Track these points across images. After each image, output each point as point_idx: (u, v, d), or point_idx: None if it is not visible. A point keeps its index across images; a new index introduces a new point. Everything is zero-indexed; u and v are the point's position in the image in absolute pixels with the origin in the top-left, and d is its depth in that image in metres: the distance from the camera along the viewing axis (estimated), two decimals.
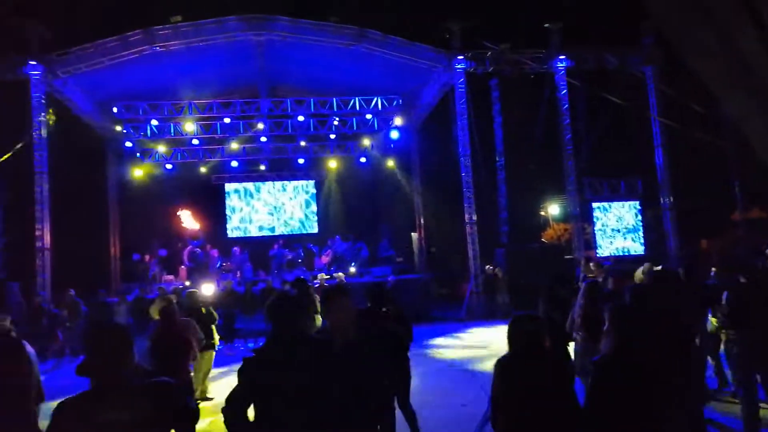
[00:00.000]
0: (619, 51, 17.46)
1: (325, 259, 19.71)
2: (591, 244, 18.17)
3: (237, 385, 2.86)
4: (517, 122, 19.66)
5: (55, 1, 16.08)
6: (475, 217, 16.81)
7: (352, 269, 18.44)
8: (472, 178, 16.91)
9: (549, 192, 25.52)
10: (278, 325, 2.97)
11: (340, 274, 16.42)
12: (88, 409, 2.32)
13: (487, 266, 16.87)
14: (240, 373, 2.87)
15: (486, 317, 15.56)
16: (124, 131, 19.36)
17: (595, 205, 18.27)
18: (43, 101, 15.32)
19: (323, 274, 17.81)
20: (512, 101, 19.33)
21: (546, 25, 17.11)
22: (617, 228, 18.31)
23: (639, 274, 6.97)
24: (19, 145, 15.36)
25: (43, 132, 15.32)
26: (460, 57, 16.56)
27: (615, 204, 18.43)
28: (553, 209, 28.38)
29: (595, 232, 18.23)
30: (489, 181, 19.14)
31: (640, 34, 17.47)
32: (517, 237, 19.57)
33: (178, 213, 19.89)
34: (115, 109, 18.48)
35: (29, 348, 4.30)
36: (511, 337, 3.11)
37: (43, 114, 15.30)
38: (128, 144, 19.92)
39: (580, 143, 18.12)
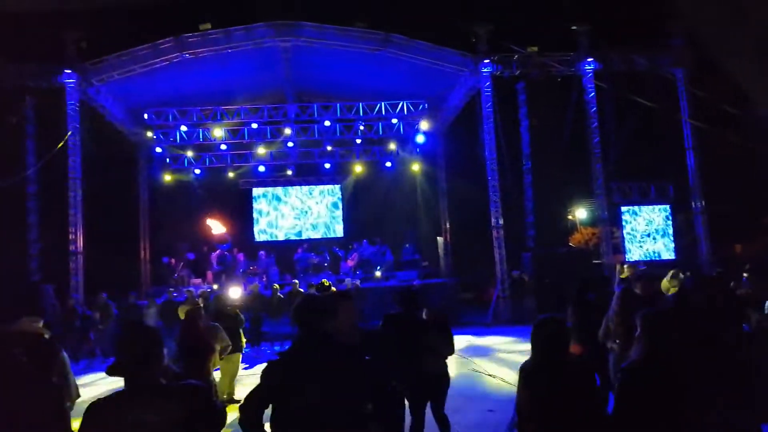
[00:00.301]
0: (648, 52, 17.19)
1: (351, 262, 19.76)
2: (620, 248, 17.90)
3: (257, 386, 2.87)
4: (544, 126, 19.46)
5: (86, 10, 16.47)
6: (501, 221, 16.71)
7: (378, 273, 18.47)
8: (499, 182, 16.82)
9: (576, 196, 25.20)
10: (304, 328, 3.00)
11: (349, 280, 16.51)
12: (117, 409, 2.38)
13: (514, 270, 16.73)
14: (263, 374, 2.88)
15: (512, 322, 15.42)
16: (154, 137, 19.74)
17: (623, 209, 18.02)
18: (77, 109, 15.72)
19: (349, 279, 17.85)
20: (539, 104, 19.14)
21: (573, 27, 16.95)
22: (647, 232, 18.00)
23: (666, 282, 6.76)
24: (53, 152, 15.76)
25: (77, 140, 15.70)
26: (487, 60, 16.50)
27: (645, 208, 18.14)
28: (580, 213, 28.03)
29: (624, 236, 17.95)
30: (515, 184, 18.98)
31: (670, 35, 17.17)
32: (544, 241, 19.34)
33: (206, 219, 20.19)
34: (145, 116, 18.83)
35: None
36: (534, 341, 3.07)
37: (77, 121, 15.68)
38: (158, 150, 20.31)
39: (609, 146, 17.88)
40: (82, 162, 15.93)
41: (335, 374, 2.82)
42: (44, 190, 17.02)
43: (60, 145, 15.61)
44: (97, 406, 2.41)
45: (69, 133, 15.54)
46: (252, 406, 2.85)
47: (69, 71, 15.41)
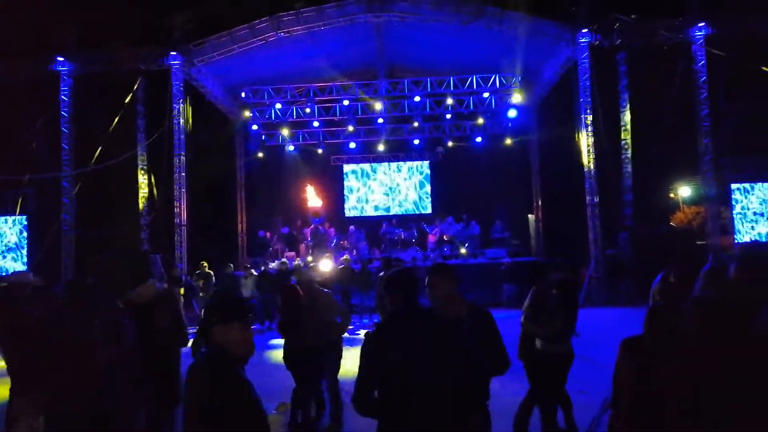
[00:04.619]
0: None
1: (432, 238, 19.83)
2: (728, 228, 16.67)
3: (360, 366, 2.88)
4: (646, 98, 18.33)
5: None
6: (596, 199, 16.03)
7: (463, 250, 18.35)
8: (595, 159, 16.09)
9: (680, 173, 23.73)
10: (395, 300, 3.01)
11: (434, 256, 16.55)
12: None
13: (608, 250, 16.07)
14: (362, 347, 2.90)
15: (606, 303, 14.89)
16: (251, 115, 20.52)
17: (734, 186, 16.69)
18: (181, 89, 16.60)
19: (434, 255, 17.93)
20: (641, 76, 18.04)
21: None
22: (760, 211, 16.62)
23: None
24: (160, 131, 16.81)
25: (182, 119, 16.61)
26: (585, 30, 15.70)
27: (759, 185, 16.72)
28: (684, 191, 26.35)
29: (734, 215, 16.67)
30: (613, 161, 18.09)
31: None
32: (643, 220, 18.39)
33: (305, 189, 20.87)
34: (242, 94, 19.60)
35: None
36: (645, 322, 2.96)
37: (181, 101, 16.58)
38: (254, 127, 21.11)
39: (719, 119, 16.56)
40: (185, 139, 16.85)
41: (427, 346, 2.82)
42: (153, 166, 18.16)
43: (166, 124, 16.61)
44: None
45: (174, 113, 16.47)
46: (363, 390, 2.86)
47: (174, 53, 16.27)
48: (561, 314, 5.23)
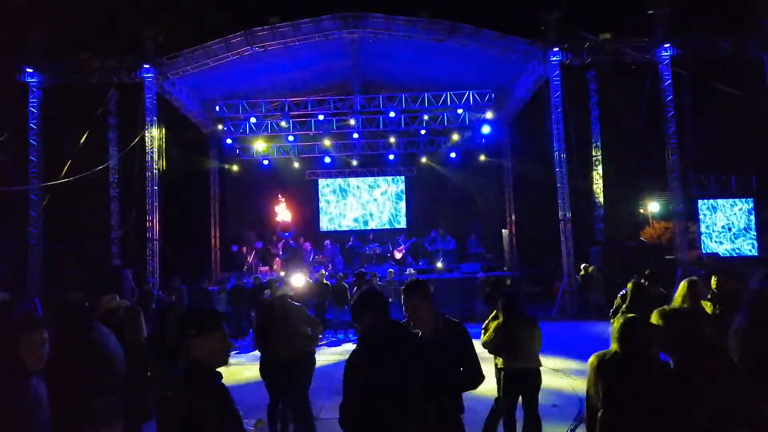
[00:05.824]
0: (732, 36, 16.18)
1: (397, 254, 19.93)
2: (695, 243, 17.06)
3: (346, 387, 2.88)
4: (615, 115, 18.77)
5: (160, 6, 17.14)
6: (569, 215, 16.26)
7: (439, 264, 18.44)
8: (567, 174, 16.36)
9: (649, 188, 24.24)
10: (369, 321, 3.02)
11: (411, 270, 16.71)
12: None
13: (582, 264, 16.29)
14: (348, 369, 2.90)
15: (579, 317, 15.05)
16: (225, 129, 20.40)
17: (701, 202, 17.13)
18: (154, 102, 16.44)
19: (411, 269, 17.98)
20: (611, 93, 18.47)
21: (650, 11, 16.18)
22: (726, 226, 17.06)
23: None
24: (132, 144, 16.59)
25: (155, 132, 16.41)
26: (556, 49, 16.00)
27: (724, 201, 17.18)
28: (653, 207, 26.91)
29: (701, 231, 17.09)
30: (584, 177, 18.43)
31: (757, 16, 16.10)
32: (614, 235, 18.72)
33: (275, 204, 20.79)
34: (216, 108, 19.48)
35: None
36: (618, 335, 3.00)
37: (154, 114, 16.41)
38: (228, 141, 20.99)
39: (686, 136, 17.01)
40: (158, 153, 16.65)
41: (409, 362, 2.83)
42: (125, 179, 17.88)
43: (139, 137, 16.40)
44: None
45: (147, 126, 16.28)
46: (351, 409, 2.85)
47: (147, 66, 16.10)
48: (499, 329, 5.24)
